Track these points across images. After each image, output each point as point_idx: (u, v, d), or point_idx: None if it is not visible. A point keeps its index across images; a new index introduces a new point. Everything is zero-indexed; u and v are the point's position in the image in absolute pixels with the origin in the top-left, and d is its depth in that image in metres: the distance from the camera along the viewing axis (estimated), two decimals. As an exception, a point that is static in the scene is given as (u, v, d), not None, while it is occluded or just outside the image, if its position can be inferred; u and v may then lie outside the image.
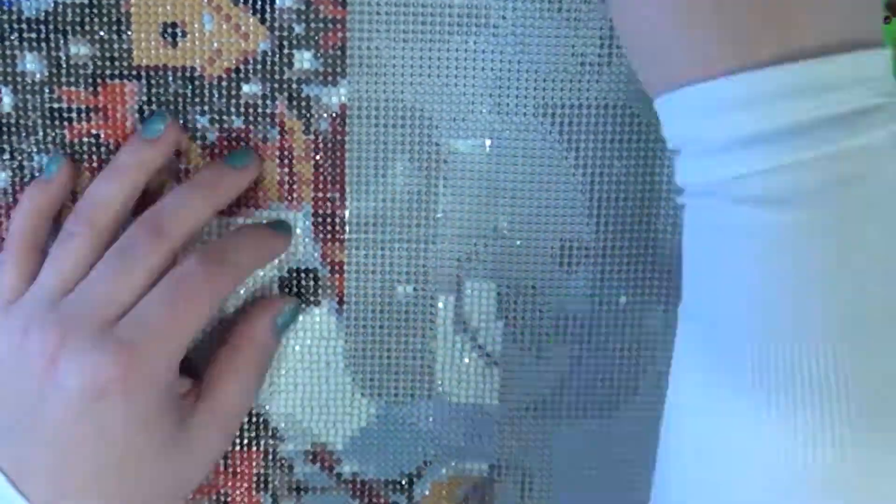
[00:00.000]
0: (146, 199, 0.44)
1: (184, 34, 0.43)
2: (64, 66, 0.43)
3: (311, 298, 0.46)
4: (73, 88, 0.44)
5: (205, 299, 0.41)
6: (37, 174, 0.44)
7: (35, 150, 0.44)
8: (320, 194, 0.45)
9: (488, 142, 0.45)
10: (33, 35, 0.43)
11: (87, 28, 0.43)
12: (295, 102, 0.44)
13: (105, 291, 0.39)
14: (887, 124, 0.32)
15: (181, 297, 0.40)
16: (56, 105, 0.44)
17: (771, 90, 0.32)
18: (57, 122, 0.44)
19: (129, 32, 0.43)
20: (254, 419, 0.47)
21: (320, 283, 0.46)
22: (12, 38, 0.43)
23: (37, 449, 0.39)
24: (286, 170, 0.45)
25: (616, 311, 0.46)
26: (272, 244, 0.44)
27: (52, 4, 0.43)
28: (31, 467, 0.38)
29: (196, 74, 0.44)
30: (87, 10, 0.43)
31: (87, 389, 0.38)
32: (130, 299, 0.39)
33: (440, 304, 0.46)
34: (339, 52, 0.44)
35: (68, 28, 0.43)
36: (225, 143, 0.44)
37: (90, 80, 0.44)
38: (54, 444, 0.38)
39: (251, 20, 0.43)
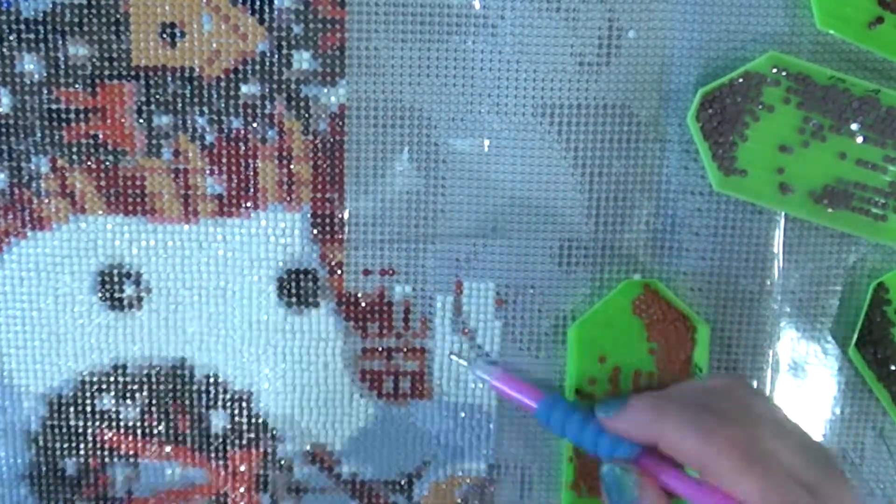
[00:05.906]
0: (144, 199, 0.44)
1: (182, 35, 0.43)
2: (62, 66, 0.43)
3: (311, 299, 0.46)
4: (71, 89, 0.44)
5: None
6: (35, 175, 0.44)
7: (33, 150, 0.44)
8: (319, 195, 0.45)
9: (487, 141, 0.45)
10: (32, 36, 0.43)
11: (86, 29, 0.43)
12: (294, 103, 0.44)
13: None
14: None
15: None
16: (54, 106, 0.44)
17: None
18: (55, 123, 0.44)
19: (128, 33, 0.43)
20: (253, 420, 0.47)
21: (319, 283, 0.46)
22: (11, 38, 0.43)
23: None
24: (285, 170, 0.45)
25: (615, 311, 0.46)
26: None
27: (51, 5, 0.43)
28: None
29: (195, 75, 0.44)
30: (85, 11, 0.43)
31: None
32: None
33: (439, 304, 0.46)
34: (337, 53, 0.44)
35: (67, 29, 0.43)
36: (224, 143, 0.44)
37: (89, 81, 0.44)
38: None
39: (250, 20, 0.43)
